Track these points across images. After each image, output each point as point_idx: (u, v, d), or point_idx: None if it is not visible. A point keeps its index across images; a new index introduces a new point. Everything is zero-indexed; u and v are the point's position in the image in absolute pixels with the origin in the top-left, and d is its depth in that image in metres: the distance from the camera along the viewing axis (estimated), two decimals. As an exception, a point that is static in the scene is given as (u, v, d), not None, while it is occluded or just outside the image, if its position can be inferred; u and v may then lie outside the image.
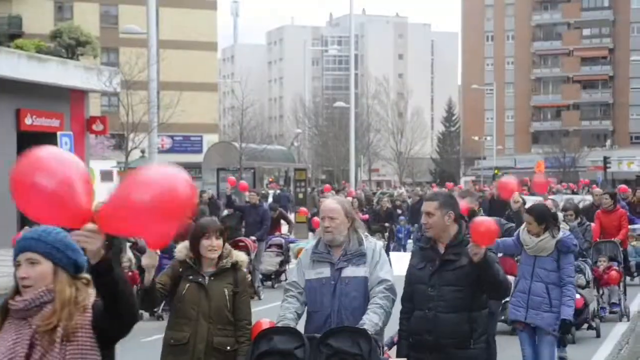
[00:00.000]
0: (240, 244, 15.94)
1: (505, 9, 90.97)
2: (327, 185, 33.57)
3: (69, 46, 30.51)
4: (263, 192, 27.02)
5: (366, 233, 5.78)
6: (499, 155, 76.75)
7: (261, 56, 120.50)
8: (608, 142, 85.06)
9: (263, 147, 39.06)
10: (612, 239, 14.02)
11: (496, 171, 65.14)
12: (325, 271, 5.57)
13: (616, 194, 16.65)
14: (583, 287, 11.55)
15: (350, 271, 5.53)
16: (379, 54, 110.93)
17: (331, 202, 5.78)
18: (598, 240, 13.83)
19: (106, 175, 39.72)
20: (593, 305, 11.97)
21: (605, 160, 61.05)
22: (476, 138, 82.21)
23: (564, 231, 8.23)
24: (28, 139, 26.13)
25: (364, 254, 5.56)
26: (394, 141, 77.55)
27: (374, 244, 5.68)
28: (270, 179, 59.72)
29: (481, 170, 75.81)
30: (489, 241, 5.37)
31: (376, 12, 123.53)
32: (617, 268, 13.38)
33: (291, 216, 24.90)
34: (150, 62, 23.07)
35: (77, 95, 28.46)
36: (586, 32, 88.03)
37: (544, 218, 7.99)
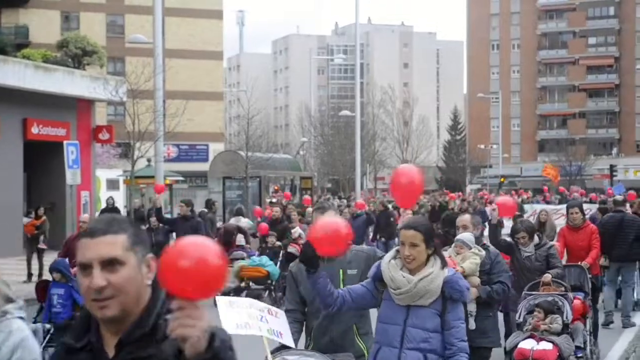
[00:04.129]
0: None
1: (511, 18, 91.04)
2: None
3: (75, 56, 30.62)
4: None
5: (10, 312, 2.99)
6: (505, 163, 76.66)
7: (267, 65, 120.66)
8: (614, 150, 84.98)
9: (269, 155, 39.11)
10: (579, 263, 11.09)
11: (502, 179, 65.12)
12: None
13: (582, 205, 13.42)
14: (558, 334, 8.68)
15: None
16: (384, 62, 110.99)
17: None
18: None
19: (112, 184, 39.84)
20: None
21: (612, 168, 60.84)
22: (482, 146, 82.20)
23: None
24: (34, 148, 26.30)
25: None
26: (399, 149, 77.54)
27: (18, 336, 2.95)
28: (276, 187, 59.80)
29: (487, 179, 75.77)
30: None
31: (381, 21, 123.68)
32: (582, 299, 9.88)
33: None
34: (156, 71, 23.12)
35: (83, 105, 28.60)
36: (592, 40, 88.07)
37: (432, 237, 4.85)
